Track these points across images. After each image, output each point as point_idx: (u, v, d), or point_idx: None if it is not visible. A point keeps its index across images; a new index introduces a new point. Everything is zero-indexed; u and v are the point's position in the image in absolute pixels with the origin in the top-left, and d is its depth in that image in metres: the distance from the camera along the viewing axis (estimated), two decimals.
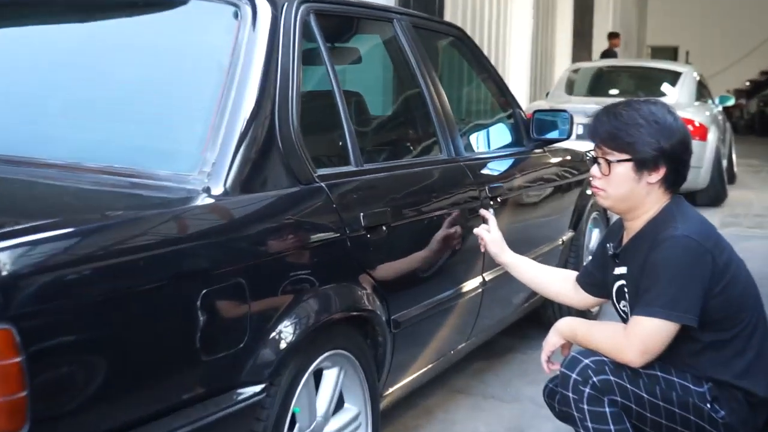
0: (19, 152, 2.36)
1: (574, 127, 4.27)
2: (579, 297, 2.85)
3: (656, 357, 2.37)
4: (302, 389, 2.33)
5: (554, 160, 4.34)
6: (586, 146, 3.92)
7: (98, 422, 1.81)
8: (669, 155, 2.44)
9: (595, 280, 2.78)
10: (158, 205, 2.12)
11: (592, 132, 2.51)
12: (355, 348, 2.58)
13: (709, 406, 2.40)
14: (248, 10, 2.50)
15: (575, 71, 10.61)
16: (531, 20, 12.73)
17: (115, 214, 1.98)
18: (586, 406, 2.36)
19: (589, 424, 2.37)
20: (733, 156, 11.77)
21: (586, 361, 2.41)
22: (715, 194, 9.36)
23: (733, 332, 2.43)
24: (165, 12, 2.73)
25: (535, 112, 4.15)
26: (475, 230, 3.03)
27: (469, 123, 4.44)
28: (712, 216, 7.98)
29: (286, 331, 2.24)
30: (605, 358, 2.40)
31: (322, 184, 2.52)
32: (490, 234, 3.01)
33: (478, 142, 4.07)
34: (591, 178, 2.55)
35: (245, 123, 2.33)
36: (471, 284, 3.36)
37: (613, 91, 9.84)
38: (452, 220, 3.17)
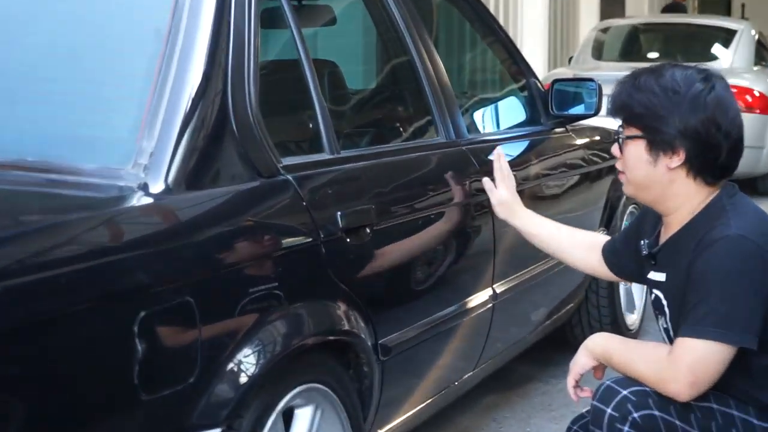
0: None
1: (604, 99, 4.28)
2: (601, 268, 2.92)
3: (709, 387, 2.37)
4: None
5: (580, 141, 4.35)
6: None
7: None
8: (688, 136, 2.43)
9: (623, 265, 2.83)
10: (83, 207, 2.11)
11: (610, 100, 2.55)
12: (334, 381, 2.57)
13: None
14: None
15: (604, 31, 10.64)
16: None
17: (28, 220, 1.97)
18: None
19: None
20: None
21: (625, 392, 2.40)
22: None
23: None
24: None
25: (555, 82, 4.15)
26: (484, 182, 3.12)
27: (472, 98, 4.45)
28: None
29: (246, 362, 2.23)
30: (648, 388, 2.40)
31: (289, 177, 2.52)
32: (497, 191, 3.07)
33: (483, 121, 4.08)
34: None
35: (190, 103, 2.32)
36: (478, 298, 3.36)
37: (652, 55, 9.87)
38: (453, 218, 3.16)
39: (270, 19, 2.80)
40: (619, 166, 2.58)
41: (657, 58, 9.69)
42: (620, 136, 2.53)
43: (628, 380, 2.44)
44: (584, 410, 2.57)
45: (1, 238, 1.86)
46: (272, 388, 2.34)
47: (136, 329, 1.98)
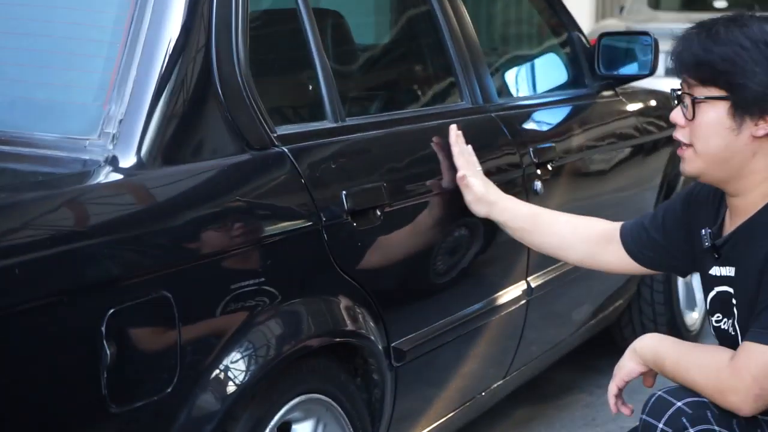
0: None
1: (661, 57, 4.27)
2: (618, 262, 2.89)
3: None
4: None
5: (632, 107, 4.35)
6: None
7: None
8: None
9: (659, 259, 2.79)
10: (41, 185, 2.12)
11: (675, 56, 2.50)
12: (339, 391, 2.58)
13: None
14: None
15: None
16: None
17: None
18: None
19: None
20: None
21: (679, 404, 2.41)
22: None
23: None
24: None
25: (602, 36, 4.15)
26: (458, 178, 3.02)
27: (503, 55, 4.44)
28: None
29: (234, 368, 2.25)
30: (707, 400, 2.41)
31: (284, 149, 2.53)
32: (473, 185, 3.01)
33: (517, 83, 4.08)
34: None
35: (167, 60, 2.32)
36: (509, 294, 3.37)
37: (720, 4, 9.83)
38: None
39: None
40: (682, 136, 2.52)
41: (726, 8, 9.66)
42: (693, 97, 2.47)
43: (682, 390, 2.45)
44: (632, 426, 2.58)
45: None
46: (265, 399, 2.35)
47: (104, 329, 1.98)
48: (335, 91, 2.80)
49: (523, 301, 3.43)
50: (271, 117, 2.54)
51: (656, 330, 4.38)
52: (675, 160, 4.49)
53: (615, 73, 4.13)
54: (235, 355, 2.26)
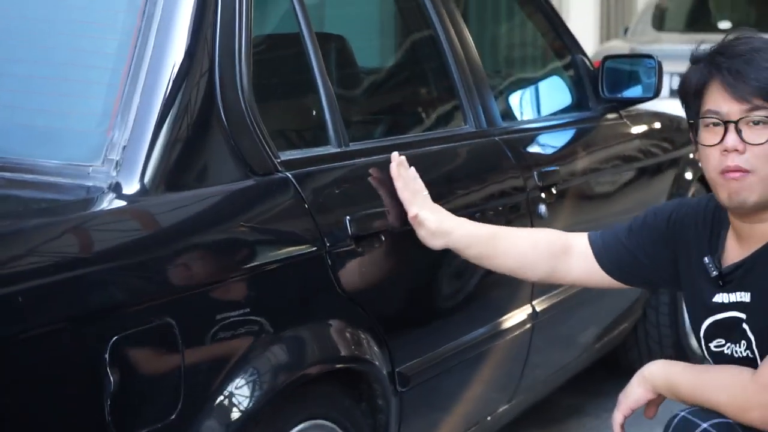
0: None
1: (665, 78, 4.27)
2: (584, 276, 2.82)
3: None
4: None
5: (636, 129, 4.35)
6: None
7: None
8: None
9: (635, 269, 2.75)
10: (44, 212, 2.12)
11: (731, 78, 2.42)
12: (344, 416, 2.58)
13: None
14: None
15: None
16: None
17: None
18: None
19: None
20: None
21: (705, 425, 2.40)
22: None
23: None
24: None
25: (606, 59, 4.15)
26: (410, 216, 2.78)
27: (507, 78, 4.45)
28: None
29: (239, 395, 2.24)
30: (731, 421, 2.40)
31: (288, 175, 2.53)
32: (427, 220, 2.79)
33: (521, 106, 4.08)
34: (723, 155, 2.46)
35: (170, 86, 2.33)
36: (514, 318, 3.36)
37: (724, 25, 9.84)
38: (482, 222, 3.16)
39: None
40: (743, 162, 2.42)
41: (731, 29, 9.65)
42: (760, 117, 2.40)
43: (705, 411, 2.44)
44: None
45: None
46: (270, 426, 2.35)
47: (108, 357, 1.98)
48: (338, 116, 2.80)
49: (528, 325, 3.42)
50: (275, 142, 2.54)
51: (662, 352, 4.37)
52: (680, 182, 4.50)
53: (619, 95, 4.14)
54: (239, 382, 2.25)
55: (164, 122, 2.29)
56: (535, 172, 3.45)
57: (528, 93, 4.26)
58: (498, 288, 3.30)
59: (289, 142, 2.83)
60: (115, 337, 2.00)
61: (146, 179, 2.23)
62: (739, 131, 2.43)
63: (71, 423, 1.98)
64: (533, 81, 4.40)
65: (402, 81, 3.77)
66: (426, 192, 2.83)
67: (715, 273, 2.55)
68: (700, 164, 2.73)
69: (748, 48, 2.44)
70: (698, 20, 10.04)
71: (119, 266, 2.07)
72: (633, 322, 4.41)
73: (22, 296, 1.89)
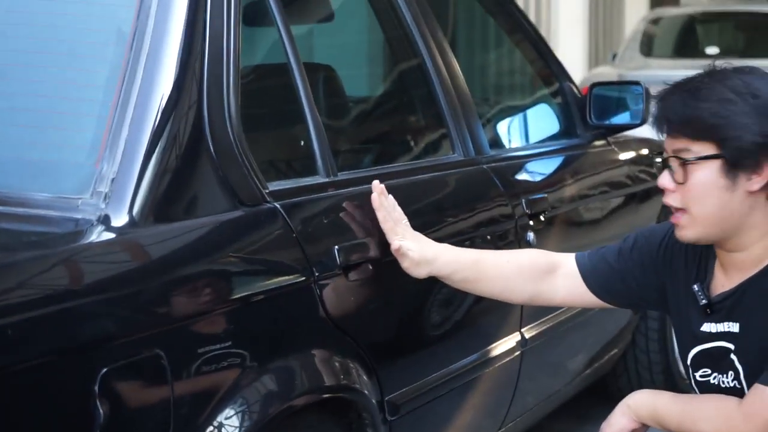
0: None
1: (653, 106, 4.29)
2: (569, 297, 2.81)
3: None
4: None
5: (624, 156, 4.36)
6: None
7: None
8: None
9: (622, 290, 2.73)
10: (33, 245, 2.13)
11: (659, 119, 2.46)
12: None
13: None
14: None
15: (655, 22, 10.68)
16: None
17: None
18: None
19: None
20: None
21: None
22: None
23: None
24: None
25: (593, 86, 4.17)
26: (393, 248, 2.73)
27: (495, 106, 4.46)
28: None
29: (228, 425, 2.24)
30: None
31: (277, 205, 2.53)
32: (410, 250, 2.73)
33: (509, 134, 4.09)
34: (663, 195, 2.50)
35: (158, 119, 2.33)
36: (504, 345, 3.37)
37: (712, 50, 9.89)
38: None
39: (253, 15, 2.81)
40: (674, 201, 2.47)
41: (718, 54, 9.70)
42: (682, 159, 2.41)
43: None
44: None
45: None
46: None
47: (97, 389, 1.98)
48: (327, 146, 2.81)
49: (518, 352, 3.42)
50: (263, 173, 2.55)
51: (651, 379, 4.38)
52: (668, 209, 4.50)
53: (606, 122, 4.14)
54: (228, 412, 2.25)
55: (153, 154, 2.30)
56: (523, 200, 3.46)
57: (516, 121, 4.27)
58: (487, 315, 3.31)
59: (278, 173, 2.84)
60: (105, 369, 2.00)
61: (135, 211, 2.23)
62: (669, 169, 2.45)
63: None
64: (521, 109, 4.41)
65: (390, 110, 3.78)
66: (406, 220, 2.80)
67: (704, 301, 2.54)
68: None
69: (679, 87, 2.45)
70: (686, 46, 10.10)
71: (108, 298, 2.07)
72: (622, 348, 4.41)
73: (11, 329, 1.89)
